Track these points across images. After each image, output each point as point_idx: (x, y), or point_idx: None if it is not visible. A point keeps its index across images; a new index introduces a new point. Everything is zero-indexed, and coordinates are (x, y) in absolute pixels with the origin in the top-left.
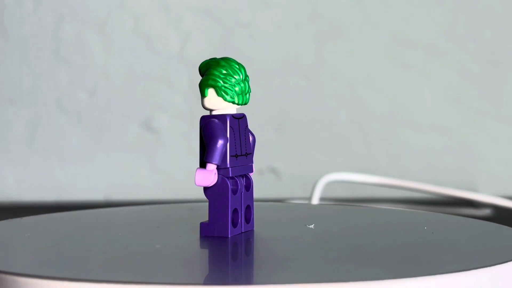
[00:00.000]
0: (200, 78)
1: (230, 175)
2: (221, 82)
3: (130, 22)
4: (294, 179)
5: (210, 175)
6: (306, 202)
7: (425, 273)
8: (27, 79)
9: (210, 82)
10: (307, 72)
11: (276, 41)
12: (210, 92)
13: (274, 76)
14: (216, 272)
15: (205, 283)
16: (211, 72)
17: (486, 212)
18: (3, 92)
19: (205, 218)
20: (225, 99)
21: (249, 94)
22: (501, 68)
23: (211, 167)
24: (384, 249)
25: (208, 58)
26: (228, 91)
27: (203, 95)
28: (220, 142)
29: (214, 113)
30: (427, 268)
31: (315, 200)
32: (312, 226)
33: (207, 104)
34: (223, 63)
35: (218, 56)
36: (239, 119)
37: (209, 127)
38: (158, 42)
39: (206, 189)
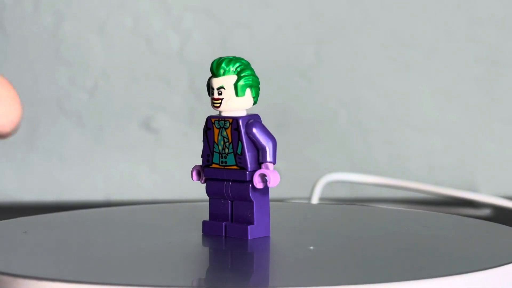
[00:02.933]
0: (216, 76)
1: None
2: (256, 82)
3: (130, 22)
4: (294, 179)
5: (279, 176)
6: (306, 202)
7: (425, 275)
8: (27, 79)
9: (252, 82)
10: (307, 72)
11: (276, 41)
12: (248, 92)
13: (274, 76)
14: (219, 274)
15: (208, 285)
16: (251, 73)
17: (486, 212)
18: None
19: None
20: (255, 100)
21: None
22: (501, 68)
23: (273, 166)
24: (384, 250)
25: (220, 57)
26: (259, 91)
27: (239, 95)
28: (275, 142)
29: (234, 114)
30: (427, 270)
31: (314, 200)
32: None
33: (237, 104)
34: (246, 62)
35: (217, 56)
36: None
37: (261, 128)
38: (158, 42)
39: (255, 190)
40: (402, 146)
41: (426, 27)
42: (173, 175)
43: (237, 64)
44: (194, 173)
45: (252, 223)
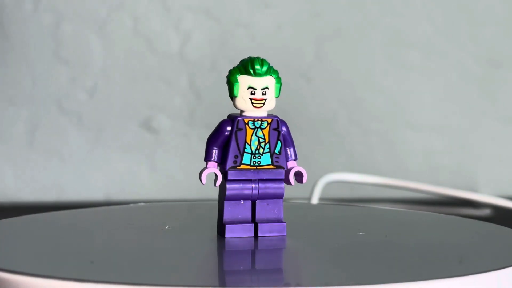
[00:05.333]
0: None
1: None
2: None
3: (130, 22)
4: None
5: None
6: (306, 202)
7: (426, 277)
8: (27, 79)
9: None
10: (307, 72)
11: (276, 41)
12: None
13: None
14: (227, 274)
15: (210, 285)
16: (278, 73)
17: (486, 212)
18: (3, 92)
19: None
20: None
21: None
22: (501, 68)
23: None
24: (383, 251)
25: (257, 57)
26: None
27: (277, 95)
28: None
29: (258, 114)
30: (428, 272)
31: (314, 200)
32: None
33: (274, 104)
34: None
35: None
36: None
37: (287, 127)
38: (158, 42)
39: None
40: (402, 146)
41: (426, 27)
42: (173, 175)
43: (270, 65)
44: (206, 177)
45: (281, 220)
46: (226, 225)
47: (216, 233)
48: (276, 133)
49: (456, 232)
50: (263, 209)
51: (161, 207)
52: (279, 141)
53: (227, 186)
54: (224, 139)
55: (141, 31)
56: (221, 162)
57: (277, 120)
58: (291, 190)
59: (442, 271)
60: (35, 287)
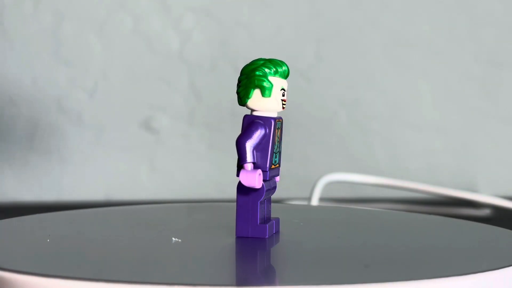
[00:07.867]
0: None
1: None
2: None
3: (129, 22)
4: (294, 179)
5: None
6: (306, 202)
7: (425, 276)
8: (27, 79)
9: None
10: (307, 72)
11: (276, 41)
12: None
13: None
14: (224, 272)
15: (207, 284)
16: None
17: (486, 212)
18: (3, 92)
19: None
20: None
21: None
22: (501, 68)
23: None
24: (382, 252)
25: (278, 59)
26: None
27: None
28: None
29: (267, 114)
30: (427, 271)
31: (314, 201)
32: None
33: None
34: None
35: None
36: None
37: None
38: (158, 42)
39: None
40: (402, 146)
41: (426, 27)
42: (173, 175)
43: None
44: (259, 178)
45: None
46: (268, 225)
47: (225, 233)
48: (281, 132)
49: (455, 232)
50: (267, 207)
51: (163, 208)
52: (281, 140)
53: (266, 186)
54: (260, 140)
55: (141, 31)
56: (256, 163)
57: (282, 121)
58: (291, 191)
59: (441, 270)
60: (35, 286)
